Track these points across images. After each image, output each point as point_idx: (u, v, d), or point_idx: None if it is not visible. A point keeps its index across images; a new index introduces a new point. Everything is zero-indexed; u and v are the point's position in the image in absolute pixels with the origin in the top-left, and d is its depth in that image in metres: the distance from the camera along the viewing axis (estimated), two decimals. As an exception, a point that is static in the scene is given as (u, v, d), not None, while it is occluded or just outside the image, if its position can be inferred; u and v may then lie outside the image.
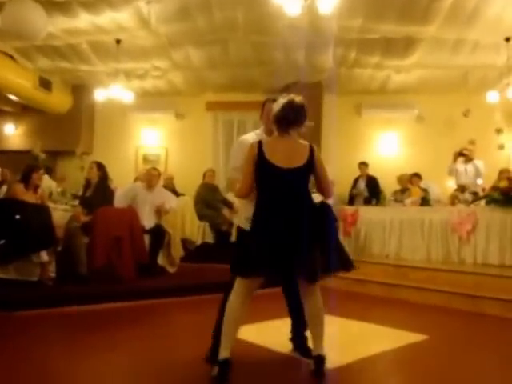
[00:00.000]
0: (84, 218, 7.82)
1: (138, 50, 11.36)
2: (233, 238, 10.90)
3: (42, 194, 7.89)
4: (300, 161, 4.05)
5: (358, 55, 11.33)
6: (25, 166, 8.25)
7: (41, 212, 7.30)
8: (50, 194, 9.56)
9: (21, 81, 12.24)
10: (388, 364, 4.86)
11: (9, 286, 6.83)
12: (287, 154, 4.05)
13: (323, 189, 4.25)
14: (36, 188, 7.72)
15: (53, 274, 7.36)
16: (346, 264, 4.45)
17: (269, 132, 4.45)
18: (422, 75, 12.15)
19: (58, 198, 9.55)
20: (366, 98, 13.35)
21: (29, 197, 7.48)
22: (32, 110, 13.95)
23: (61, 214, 8.02)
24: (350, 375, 4.35)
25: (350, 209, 10.46)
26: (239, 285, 4.10)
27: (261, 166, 4.05)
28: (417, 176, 10.62)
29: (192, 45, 11.12)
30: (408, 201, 10.11)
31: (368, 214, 10.11)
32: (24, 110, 14.36)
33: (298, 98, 4.15)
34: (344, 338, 5.68)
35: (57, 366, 4.43)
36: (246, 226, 4.18)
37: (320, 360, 4.08)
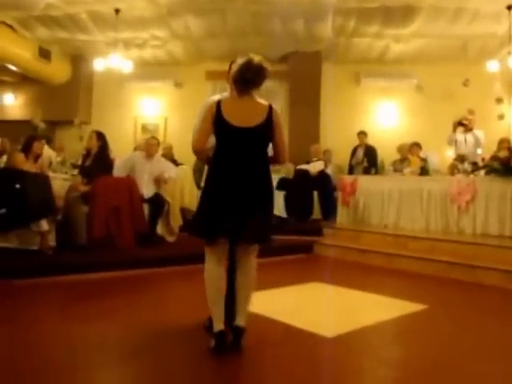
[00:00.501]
0: (83, 188, 7.80)
1: (136, 19, 11.31)
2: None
3: (41, 164, 7.90)
4: (257, 120, 4.01)
5: (356, 24, 11.29)
6: (24, 135, 8.26)
7: (41, 181, 7.29)
8: (50, 164, 9.55)
9: (20, 51, 12.22)
10: (387, 333, 4.87)
11: (9, 254, 6.87)
12: (245, 113, 4.02)
13: (278, 152, 4.19)
14: (37, 158, 7.73)
15: (53, 243, 7.37)
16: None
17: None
18: (421, 45, 12.12)
19: (57, 167, 9.54)
20: (365, 67, 13.34)
21: (29, 166, 7.48)
22: (31, 79, 13.91)
23: (60, 183, 8.03)
24: (349, 344, 4.37)
25: (348, 178, 10.42)
26: (206, 251, 4.12)
27: (218, 125, 4.02)
28: (416, 145, 10.56)
29: (191, 14, 11.07)
30: (407, 170, 10.09)
31: (367, 183, 10.08)
32: (23, 80, 14.30)
33: (258, 58, 4.06)
34: (343, 307, 5.73)
35: (51, 332, 4.46)
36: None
37: (239, 332, 4.03)
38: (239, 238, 4.04)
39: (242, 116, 4.01)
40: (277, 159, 4.24)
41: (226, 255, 4.17)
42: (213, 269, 4.08)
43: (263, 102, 4.12)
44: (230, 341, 3.99)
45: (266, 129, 4.04)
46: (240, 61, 4.05)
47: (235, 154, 3.99)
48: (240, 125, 3.98)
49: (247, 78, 4.00)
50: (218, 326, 3.96)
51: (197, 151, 4.19)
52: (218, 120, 4.01)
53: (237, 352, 3.92)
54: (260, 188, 4.04)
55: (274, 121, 4.07)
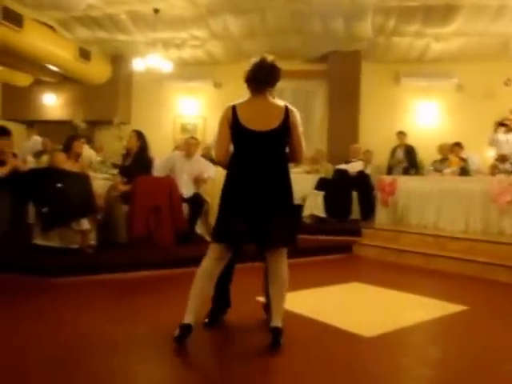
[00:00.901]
0: (123, 187, 7.89)
1: (176, 19, 11.36)
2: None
3: (82, 163, 7.98)
4: (274, 123, 3.98)
5: (397, 23, 11.16)
6: (65, 135, 8.36)
7: (82, 180, 7.38)
8: (90, 163, 9.65)
9: (61, 51, 12.34)
10: (427, 333, 4.84)
11: (50, 252, 6.95)
12: (260, 116, 4.01)
13: (294, 151, 4.16)
14: (77, 157, 7.82)
15: (93, 242, 7.44)
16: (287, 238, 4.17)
17: None
18: (462, 43, 11.92)
19: (97, 167, 9.65)
20: (405, 66, 13.17)
21: (70, 165, 7.56)
22: (71, 80, 14.05)
23: (101, 182, 8.13)
24: (387, 344, 4.34)
25: (388, 178, 10.32)
26: (211, 247, 4.14)
27: (235, 130, 4.01)
28: (458, 145, 10.43)
29: (230, 13, 11.09)
30: (447, 170, 9.99)
31: (406, 183, 9.96)
32: (64, 81, 14.45)
33: (270, 58, 4.08)
34: (382, 308, 5.69)
35: (92, 330, 4.46)
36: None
37: (278, 332, 3.99)
38: (263, 243, 4.06)
39: (259, 119, 4.00)
40: (293, 158, 4.24)
41: (227, 258, 4.19)
42: (208, 267, 4.10)
43: (279, 102, 4.10)
44: (268, 341, 3.96)
45: (284, 131, 4.02)
46: (253, 60, 4.07)
47: (253, 157, 4.00)
48: (257, 128, 3.97)
49: (260, 78, 4.02)
50: (188, 318, 3.97)
51: (220, 162, 4.20)
52: (234, 124, 4.00)
53: (276, 352, 3.90)
54: (279, 191, 4.03)
55: (291, 122, 4.03)
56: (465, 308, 5.54)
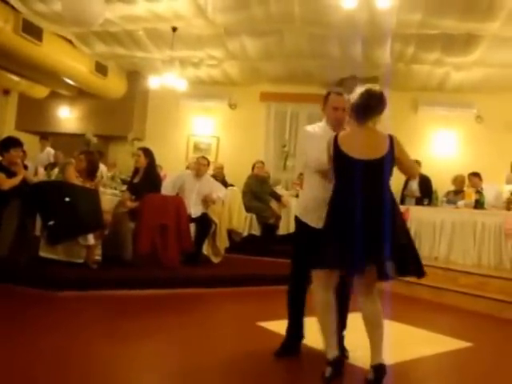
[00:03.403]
0: (131, 204, 7.84)
1: (193, 38, 11.32)
2: (280, 231, 10.83)
3: (97, 182, 8.01)
4: (381, 152, 3.96)
5: (416, 51, 11.05)
6: (77, 149, 8.35)
7: (90, 195, 7.37)
8: (101, 179, 9.61)
9: (78, 65, 12.39)
10: (428, 369, 4.79)
11: (55, 266, 6.97)
12: (367, 145, 3.99)
13: (407, 168, 4.23)
14: (92, 173, 7.85)
15: (98, 258, 7.42)
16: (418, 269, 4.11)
17: (332, 123, 4.44)
18: (483, 73, 11.76)
19: (107, 182, 9.60)
20: (423, 94, 13.09)
21: (81, 181, 7.58)
22: (87, 94, 14.06)
23: (109, 198, 8.10)
24: (391, 377, 4.18)
25: (400, 208, 10.14)
26: (318, 278, 4.11)
27: (338, 160, 3.99)
28: (476, 175, 10.22)
29: (248, 35, 11.03)
30: (461, 203, 9.81)
31: (419, 213, 9.81)
32: (79, 94, 14.45)
33: (377, 87, 4.10)
34: (387, 340, 5.56)
35: (91, 347, 4.43)
36: (303, 216, 4.35)
37: (381, 370, 3.91)
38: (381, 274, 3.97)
39: (365, 148, 3.97)
40: (409, 175, 4.58)
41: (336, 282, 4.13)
42: (322, 296, 4.09)
43: (382, 132, 4.09)
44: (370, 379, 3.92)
45: (390, 160, 3.99)
46: (360, 89, 4.03)
47: (358, 188, 3.91)
48: (362, 157, 3.93)
49: (370, 105, 3.98)
50: (333, 352, 3.97)
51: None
52: (336, 155, 3.98)
53: None
54: (387, 221, 3.90)
55: (396, 151, 4.01)
56: (470, 345, 5.46)
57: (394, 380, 4.26)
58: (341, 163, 3.98)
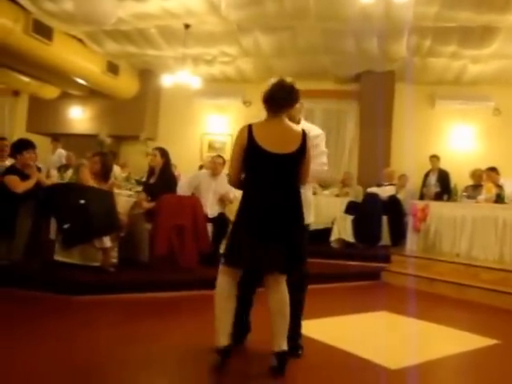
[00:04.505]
0: (147, 205, 7.75)
1: (206, 35, 11.24)
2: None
3: (111, 184, 7.91)
4: (292, 147, 3.95)
5: (432, 44, 10.92)
6: (90, 149, 8.27)
7: (106, 197, 7.27)
8: (115, 180, 9.54)
9: (89, 65, 12.33)
10: (454, 368, 4.71)
11: (71, 270, 6.87)
12: (279, 138, 3.97)
13: (301, 174, 4.06)
14: (104, 174, 7.76)
15: (115, 260, 7.32)
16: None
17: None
18: (501, 66, 11.63)
19: (122, 183, 9.52)
20: (440, 88, 12.92)
21: (96, 183, 7.50)
22: (98, 94, 14.01)
23: (125, 199, 7.99)
24: (412, 378, 4.20)
25: (420, 204, 10.00)
26: (221, 270, 4.09)
27: (250, 151, 3.95)
28: (493, 170, 10.05)
29: (261, 31, 10.94)
30: (481, 197, 9.65)
31: (439, 209, 9.64)
32: (91, 94, 14.38)
33: (289, 79, 4.05)
34: (409, 339, 5.57)
35: (111, 352, 4.41)
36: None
37: (283, 356, 3.92)
38: (263, 267, 4.00)
39: (277, 141, 3.95)
40: (300, 178, 4.12)
41: (239, 276, 4.12)
42: (224, 289, 4.04)
43: (295, 126, 4.10)
44: (272, 365, 3.91)
45: (300, 156, 3.98)
46: (272, 81, 4.05)
47: (267, 181, 3.95)
48: (274, 151, 3.91)
49: (279, 96, 3.98)
50: (223, 340, 3.94)
51: (233, 184, 4.24)
52: (249, 144, 3.94)
53: (281, 377, 3.86)
54: (289, 218, 3.96)
55: (307, 147, 4.01)
56: (496, 342, 5.36)
57: (423, 379, 4.24)
58: (254, 155, 3.95)
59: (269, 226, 3.88)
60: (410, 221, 9.87)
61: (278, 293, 4.01)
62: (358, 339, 5.28)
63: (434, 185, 11.38)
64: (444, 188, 10.95)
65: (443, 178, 11.60)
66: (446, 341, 5.56)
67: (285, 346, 3.93)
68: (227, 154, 12.74)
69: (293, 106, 4.11)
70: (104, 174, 7.68)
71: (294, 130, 4.02)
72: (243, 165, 4.03)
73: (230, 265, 4.00)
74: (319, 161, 4.49)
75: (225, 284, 4.03)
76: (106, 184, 7.61)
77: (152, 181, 8.10)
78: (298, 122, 4.46)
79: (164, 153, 8.09)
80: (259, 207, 3.90)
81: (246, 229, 3.92)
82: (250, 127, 3.98)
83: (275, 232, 3.88)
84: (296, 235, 3.99)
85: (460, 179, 11.04)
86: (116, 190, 8.05)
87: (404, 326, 6.12)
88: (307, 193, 4.45)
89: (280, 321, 3.98)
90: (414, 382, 4.14)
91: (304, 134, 4.01)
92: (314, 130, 4.62)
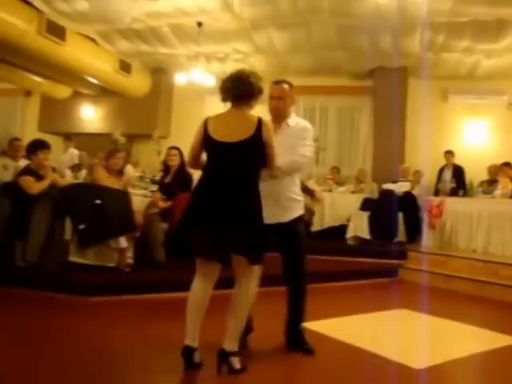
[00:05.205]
0: (163, 204, 7.72)
1: (219, 32, 11.23)
2: (313, 227, 10.66)
3: (126, 181, 7.94)
4: (243, 135, 3.92)
5: (446, 39, 10.87)
6: (103, 149, 8.32)
7: (121, 197, 7.28)
8: (129, 179, 9.52)
9: (101, 64, 12.28)
10: (480, 367, 4.64)
11: (87, 271, 6.85)
12: (230, 127, 3.98)
13: (267, 162, 4.08)
14: (120, 172, 7.77)
15: (131, 261, 7.28)
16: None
17: (270, 112, 4.65)
18: (514, 60, 11.55)
19: (136, 182, 9.49)
20: (453, 83, 12.85)
21: (112, 182, 7.48)
22: (110, 93, 13.97)
23: (139, 199, 7.97)
24: (439, 378, 4.17)
25: (435, 200, 9.96)
26: (198, 266, 4.11)
27: (204, 141, 4.03)
28: (508, 165, 9.98)
29: (275, 28, 10.92)
30: (497, 192, 9.59)
31: (454, 205, 9.58)
32: (103, 93, 14.38)
33: (247, 71, 4.09)
34: (431, 337, 5.47)
35: (131, 353, 4.45)
36: None
37: (221, 354, 3.95)
38: (223, 257, 3.99)
39: (226, 131, 3.96)
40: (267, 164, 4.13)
41: (215, 274, 4.11)
42: (195, 286, 4.07)
43: (253, 116, 4.04)
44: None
45: (254, 144, 3.93)
46: (231, 73, 4.09)
47: (217, 168, 3.97)
48: (222, 139, 3.94)
49: (232, 87, 4.01)
50: (187, 340, 3.96)
51: (189, 164, 4.43)
52: (204, 134, 4.02)
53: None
54: (239, 205, 3.89)
55: (263, 136, 3.95)
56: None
57: (449, 380, 4.24)
58: (206, 145, 4.03)
59: (213, 213, 3.85)
60: (426, 217, 9.82)
61: (236, 289, 4.05)
62: (379, 338, 5.25)
63: (449, 180, 11.33)
64: (459, 184, 10.89)
65: (458, 173, 11.54)
66: (468, 339, 5.53)
67: (227, 346, 3.93)
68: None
69: (249, 99, 4.05)
70: (121, 170, 7.72)
71: (248, 119, 3.99)
72: (198, 153, 4.12)
73: (177, 255, 4.18)
74: (301, 152, 4.44)
75: (197, 284, 4.07)
76: (122, 180, 7.64)
77: (167, 180, 8.09)
78: (287, 116, 4.62)
79: (181, 152, 8.08)
80: (210, 195, 3.89)
81: (193, 216, 3.94)
82: (207, 118, 4.06)
83: (221, 219, 3.84)
84: (247, 222, 3.90)
85: (474, 174, 10.99)
86: (131, 190, 8.04)
87: (424, 323, 6.05)
88: (289, 184, 4.51)
89: (231, 320, 4.00)
90: (439, 382, 4.11)
91: (260, 123, 3.95)
92: (302, 123, 4.71)
